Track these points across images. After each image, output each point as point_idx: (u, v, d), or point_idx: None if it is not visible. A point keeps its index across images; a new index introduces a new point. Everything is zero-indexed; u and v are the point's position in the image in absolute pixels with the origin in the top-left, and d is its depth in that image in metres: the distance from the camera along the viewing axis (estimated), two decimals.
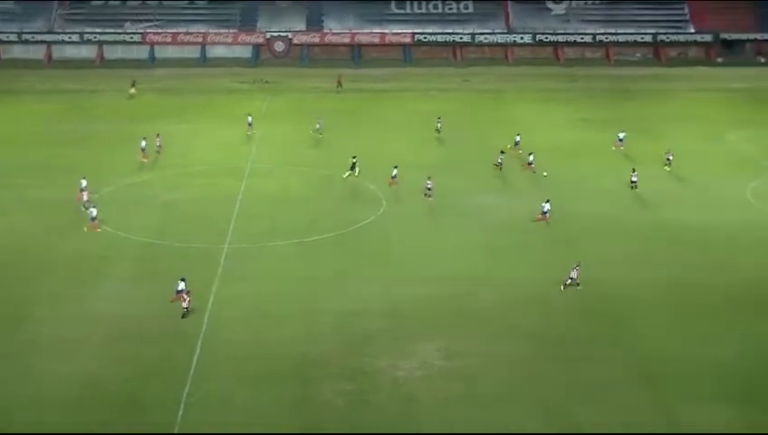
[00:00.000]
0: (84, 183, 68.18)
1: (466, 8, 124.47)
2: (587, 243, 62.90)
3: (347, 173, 74.12)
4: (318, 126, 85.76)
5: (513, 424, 42.95)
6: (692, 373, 47.28)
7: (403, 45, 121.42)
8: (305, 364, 47.61)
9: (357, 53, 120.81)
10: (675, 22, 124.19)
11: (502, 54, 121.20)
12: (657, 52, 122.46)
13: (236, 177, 74.32)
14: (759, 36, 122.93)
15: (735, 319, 52.89)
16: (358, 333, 50.62)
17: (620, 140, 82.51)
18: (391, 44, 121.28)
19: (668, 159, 76.74)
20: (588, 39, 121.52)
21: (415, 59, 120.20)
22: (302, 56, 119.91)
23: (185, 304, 51.75)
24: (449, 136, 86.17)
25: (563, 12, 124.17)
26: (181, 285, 52.90)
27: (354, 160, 74.46)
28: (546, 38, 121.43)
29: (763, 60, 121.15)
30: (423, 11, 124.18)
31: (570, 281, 56.00)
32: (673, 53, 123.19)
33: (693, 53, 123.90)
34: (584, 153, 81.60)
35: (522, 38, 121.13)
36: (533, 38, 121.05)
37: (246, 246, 61.37)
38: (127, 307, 53.09)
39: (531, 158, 76.04)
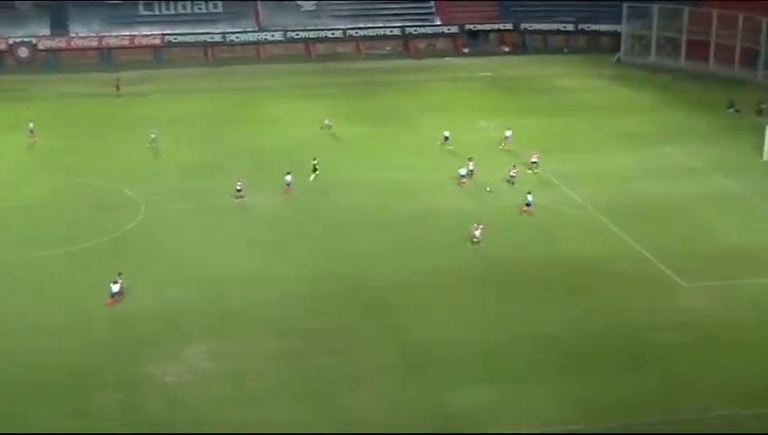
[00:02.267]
0: None
1: (216, 8, 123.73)
2: (353, 235, 63.58)
3: (312, 176, 72.73)
4: (153, 136, 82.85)
5: (284, 419, 43.02)
6: (459, 357, 48.43)
7: (153, 47, 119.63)
8: (78, 374, 46.39)
9: (107, 57, 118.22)
10: (422, 15, 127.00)
11: (254, 53, 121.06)
12: (406, 44, 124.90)
13: None
14: (501, 26, 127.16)
15: (497, 301, 54.57)
16: (128, 339, 49.63)
17: (507, 137, 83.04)
18: (141, 46, 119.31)
19: (534, 162, 76.51)
20: (338, 34, 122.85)
21: (166, 60, 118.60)
22: (48, 62, 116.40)
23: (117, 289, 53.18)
24: (207, 136, 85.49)
25: (313, 8, 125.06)
26: (114, 288, 53.03)
27: (315, 163, 73.26)
28: (297, 35, 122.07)
29: (506, 49, 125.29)
30: (172, 12, 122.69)
31: (475, 239, 60.65)
32: (422, 44, 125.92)
33: (441, 44, 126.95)
34: (342, 147, 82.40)
35: (273, 35, 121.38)
36: (284, 35, 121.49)
37: (5, 259, 59.19)
38: None
39: (470, 165, 73.13)
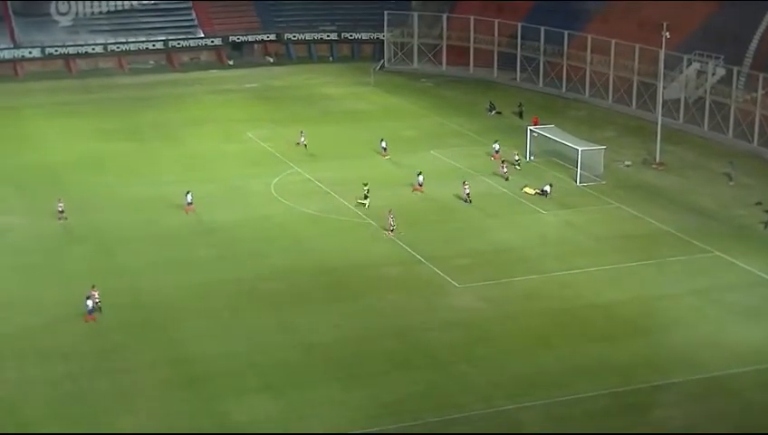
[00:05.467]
0: None
1: None
2: (124, 252, 62.45)
3: (366, 202, 69.95)
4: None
5: None
6: (234, 369, 48.21)
7: None
8: None
9: None
10: (184, 27, 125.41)
11: (11, 70, 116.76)
12: (169, 58, 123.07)
13: None
14: (265, 37, 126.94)
15: (270, 311, 54.49)
16: None
17: (385, 148, 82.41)
18: None
19: (516, 159, 79.20)
20: (99, 49, 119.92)
21: None
22: None
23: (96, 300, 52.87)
24: None
25: (71, 23, 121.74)
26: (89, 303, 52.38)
27: (366, 189, 70.58)
28: (56, 51, 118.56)
29: (271, 60, 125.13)
30: None
31: (391, 228, 64.14)
32: (185, 57, 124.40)
33: (205, 56, 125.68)
34: (108, 164, 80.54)
35: (30, 52, 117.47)
36: (42, 52, 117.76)
37: None
38: None
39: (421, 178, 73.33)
